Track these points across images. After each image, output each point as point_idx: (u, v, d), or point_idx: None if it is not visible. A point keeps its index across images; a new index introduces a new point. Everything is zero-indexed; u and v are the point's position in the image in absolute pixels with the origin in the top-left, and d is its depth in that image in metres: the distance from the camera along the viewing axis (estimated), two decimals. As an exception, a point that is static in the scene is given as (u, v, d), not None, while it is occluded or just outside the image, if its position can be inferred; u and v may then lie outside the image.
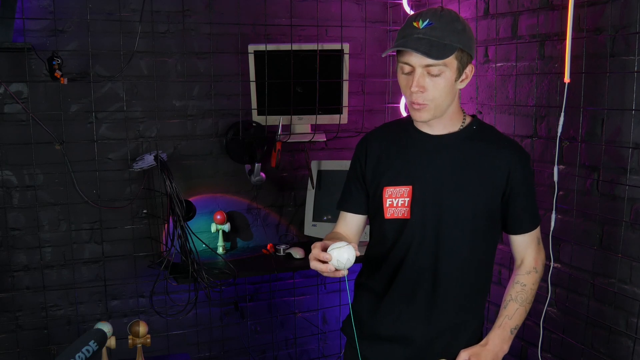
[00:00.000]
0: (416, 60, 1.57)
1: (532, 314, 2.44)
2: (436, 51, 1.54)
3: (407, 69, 1.61)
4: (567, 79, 2.04)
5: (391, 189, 1.73)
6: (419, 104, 1.62)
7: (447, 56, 1.55)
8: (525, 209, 1.74)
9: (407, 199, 1.71)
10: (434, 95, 1.60)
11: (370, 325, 1.80)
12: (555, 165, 2.15)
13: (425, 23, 1.56)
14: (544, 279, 2.25)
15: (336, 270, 1.52)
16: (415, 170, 1.72)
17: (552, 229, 2.15)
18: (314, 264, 1.55)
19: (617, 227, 2.06)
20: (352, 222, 1.87)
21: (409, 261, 1.73)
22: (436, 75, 1.57)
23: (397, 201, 1.72)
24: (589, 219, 2.17)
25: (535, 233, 1.80)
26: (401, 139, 1.77)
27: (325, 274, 1.54)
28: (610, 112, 2.06)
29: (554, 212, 2.15)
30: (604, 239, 2.12)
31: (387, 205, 1.73)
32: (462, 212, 1.69)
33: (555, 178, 2.14)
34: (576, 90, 2.12)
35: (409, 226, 1.71)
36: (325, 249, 1.54)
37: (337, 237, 1.72)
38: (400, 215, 1.72)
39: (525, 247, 1.79)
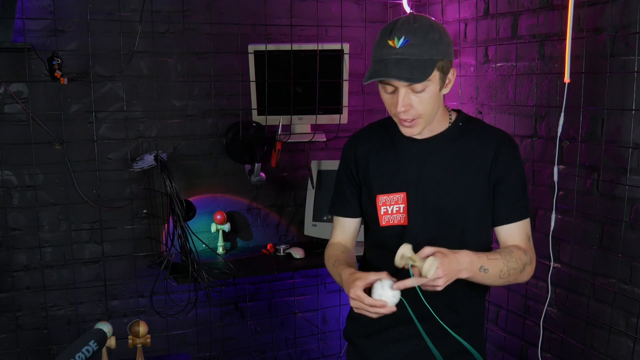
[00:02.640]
0: (399, 81, 1.54)
1: (532, 314, 2.45)
2: (419, 73, 1.51)
3: (389, 89, 1.58)
4: (567, 79, 2.04)
5: (384, 197, 1.72)
6: (408, 122, 1.61)
7: (430, 74, 1.52)
8: (510, 197, 1.67)
9: (402, 206, 1.70)
10: (422, 109, 1.58)
11: (371, 332, 1.79)
12: (555, 165, 2.15)
13: (402, 41, 1.52)
14: (544, 279, 2.26)
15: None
16: (407, 176, 1.70)
17: (552, 229, 2.15)
18: (370, 314, 1.52)
19: (617, 227, 2.06)
20: (349, 227, 1.85)
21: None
22: (420, 91, 1.56)
23: (391, 208, 1.71)
24: (589, 219, 2.17)
25: (524, 227, 1.69)
26: (388, 144, 1.75)
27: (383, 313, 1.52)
28: (610, 112, 2.06)
29: (554, 212, 2.15)
30: (604, 239, 2.12)
31: (382, 212, 1.72)
32: (458, 211, 1.68)
33: (555, 178, 2.14)
34: (576, 90, 2.12)
35: (408, 232, 1.70)
36: (367, 289, 1.52)
37: (345, 261, 1.72)
38: (396, 222, 1.71)
39: (513, 241, 1.69)
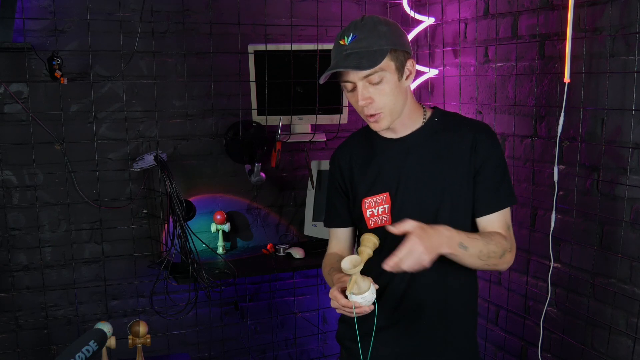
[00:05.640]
0: (353, 76, 1.58)
1: (532, 314, 2.45)
2: (366, 61, 1.55)
3: (349, 86, 1.62)
4: (567, 79, 2.04)
5: (369, 200, 1.74)
6: (373, 116, 1.63)
7: (379, 62, 1.55)
8: (488, 187, 1.66)
9: (386, 206, 1.72)
10: (383, 102, 1.60)
11: (361, 334, 1.78)
12: (555, 165, 2.15)
13: (350, 38, 1.58)
14: (544, 279, 2.26)
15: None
16: (387, 177, 1.72)
17: (552, 229, 2.15)
18: (346, 314, 1.56)
19: (617, 227, 2.06)
20: (343, 237, 1.88)
21: None
22: (377, 83, 1.58)
23: (377, 210, 1.73)
24: (589, 219, 2.17)
25: (503, 216, 1.67)
26: (368, 148, 1.78)
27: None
28: (610, 112, 2.06)
29: (554, 212, 2.15)
30: (604, 239, 2.12)
31: (369, 215, 1.74)
32: (441, 207, 1.68)
33: (555, 178, 2.14)
34: (576, 90, 2.12)
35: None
36: (343, 291, 1.54)
37: (337, 267, 1.72)
38: (382, 223, 1.72)
39: (492, 229, 1.66)
